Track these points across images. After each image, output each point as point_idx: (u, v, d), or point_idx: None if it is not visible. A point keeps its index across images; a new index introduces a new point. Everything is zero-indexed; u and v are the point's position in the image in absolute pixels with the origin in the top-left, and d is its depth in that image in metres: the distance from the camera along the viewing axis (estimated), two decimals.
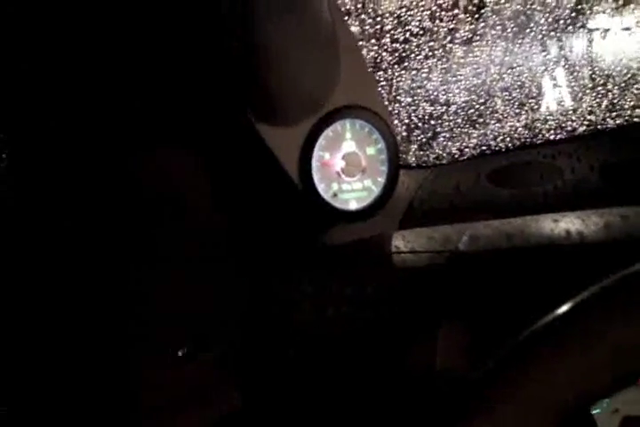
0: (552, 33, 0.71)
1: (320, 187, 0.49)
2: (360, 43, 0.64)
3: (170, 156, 0.53)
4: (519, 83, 0.74)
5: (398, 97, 0.71)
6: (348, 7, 0.61)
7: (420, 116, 0.73)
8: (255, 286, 0.58)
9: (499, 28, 0.68)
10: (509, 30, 0.69)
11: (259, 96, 0.47)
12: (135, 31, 0.47)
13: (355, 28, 0.62)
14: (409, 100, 0.71)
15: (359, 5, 0.62)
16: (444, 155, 0.75)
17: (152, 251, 0.55)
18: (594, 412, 0.54)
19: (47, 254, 0.53)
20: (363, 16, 0.63)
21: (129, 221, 0.54)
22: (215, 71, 0.48)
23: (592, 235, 0.49)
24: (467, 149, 0.74)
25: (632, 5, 0.72)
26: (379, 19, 0.64)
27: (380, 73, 0.67)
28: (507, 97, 0.74)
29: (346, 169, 0.50)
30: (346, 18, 0.61)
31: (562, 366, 0.24)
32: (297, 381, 0.54)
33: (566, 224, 0.50)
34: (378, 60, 0.66)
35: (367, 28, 0.64)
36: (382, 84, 0.68)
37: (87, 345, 0.54)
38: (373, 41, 0.64)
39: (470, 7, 0.66)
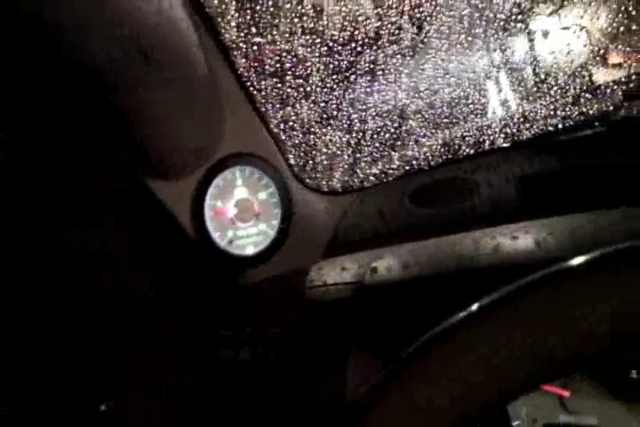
0: (455, 51, 0.73)
1: (215, 235, 0.50)
2: (263, 82, 0.66)
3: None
4: (430, 103, 0.76)
5: (312, 129, 0.72)
6: (244, 48, 0.63)
7: (337, 145, 0.75)
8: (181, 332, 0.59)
9: (399, 56, 0.70)
10: (410, 56, 0.71)
11: (144, 154, 0.48)
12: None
13: (254, 69, 0.64)
14: (324, 130, 0.73)
15: (255, 46, 0.64)
16: (369, 178, 0.77)
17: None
18: (514, 424, 0.56)
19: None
20: (260, 56, 0.64)
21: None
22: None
23: (483, 259, 0.50)
24: (390, 171, 0.76)
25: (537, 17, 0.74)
26: (278, 58, 0.66)
27: (289, 109, 0.69)
28: (420, 118, 0.76)
29: (239, 215, 0.52)
30: (243, 60, 0.63)
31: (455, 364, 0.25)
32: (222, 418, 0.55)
33: (459, 248, 0.52)
34: (284, 97, 0.68)
35: (267, 67, 0.65)
36: (293, 118, 0.70)
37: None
38: (276, 79, 0.66)
39: (367, 40, 0.68)
